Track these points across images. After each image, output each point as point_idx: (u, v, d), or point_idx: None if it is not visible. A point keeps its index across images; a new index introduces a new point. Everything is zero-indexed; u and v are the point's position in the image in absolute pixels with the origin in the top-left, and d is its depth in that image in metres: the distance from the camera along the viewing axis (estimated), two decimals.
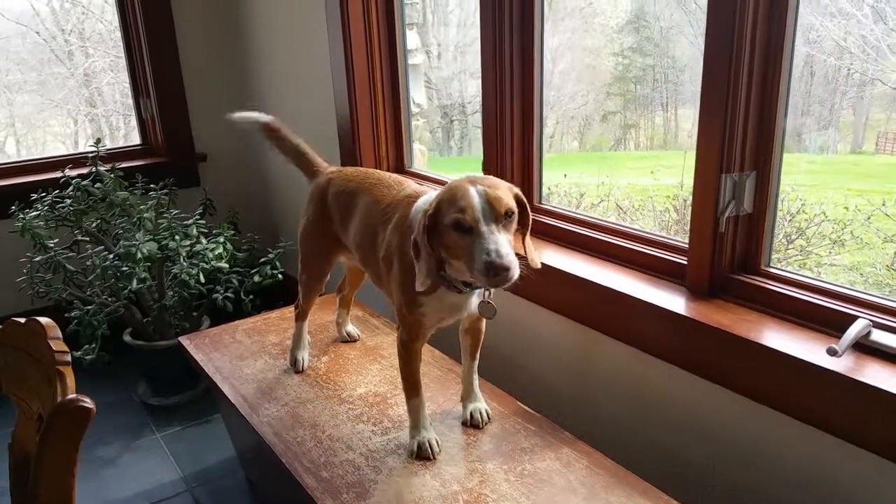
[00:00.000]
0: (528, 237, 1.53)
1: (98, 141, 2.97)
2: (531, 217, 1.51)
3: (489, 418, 1.77)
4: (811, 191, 3.03)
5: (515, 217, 1.43)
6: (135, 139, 3.78)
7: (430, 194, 1.63)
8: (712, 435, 1.68)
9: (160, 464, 2.61)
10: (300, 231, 2.03)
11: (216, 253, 2.78)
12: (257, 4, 3.30)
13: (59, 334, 1.16)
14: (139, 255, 2.65)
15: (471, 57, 4.39)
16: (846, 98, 3.00)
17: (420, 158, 3.02)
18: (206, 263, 2.75)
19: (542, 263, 1.97)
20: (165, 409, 2.96)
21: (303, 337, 2.13)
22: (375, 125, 2.79)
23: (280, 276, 2.93)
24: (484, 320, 1.73)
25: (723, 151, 1.57)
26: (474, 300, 1.59)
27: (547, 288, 1.99)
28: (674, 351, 1.68)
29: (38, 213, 2.84)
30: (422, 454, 1.64)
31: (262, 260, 2.92)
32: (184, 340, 2.32)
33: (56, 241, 2.88)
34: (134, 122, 3.77)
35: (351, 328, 2.25)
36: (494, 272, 1.33)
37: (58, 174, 3.03)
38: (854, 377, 1.33)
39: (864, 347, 1.40)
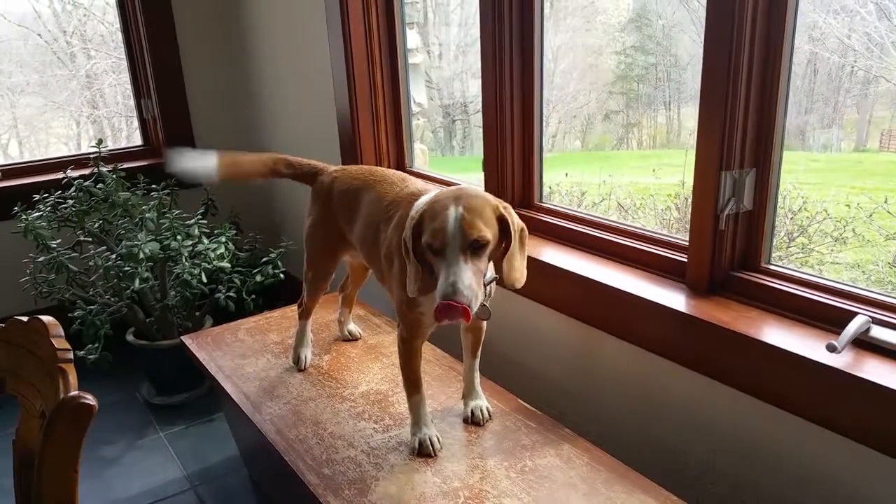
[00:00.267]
0: (511, 254, 1.46)
1: (100, 142, 2.98)
2: (517, 234, 1.47)
3: (490, 415, 1.77)
4: (814, 189, 3.03)
5: (490, 245, 1.40)
6: (137, 140, 3.79)
7: (431, 193, 1.63)
8: (712, 431, 1.68)
9: (164, 462, 2.62)
10: (305, 230, 2.03)
11: (218, 253, 2.79)
12: (257, 5, 3.30)
13: (62, 332, 1.17)
14: (141, 256, 2.66)
15: (472, 56, 4.39)
16: (850, 96, 3.00)
17: (421, 158, 3.02)
18: (208, 263, 2.76)
19: (543, 262, 1.99)
20: (168, 408, 2.97)
21: (306, 335, 2.13)
22: (376, 124, 2.79)
23: (282, 275, 2.94)
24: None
25: (723, 148, 1.57)
26: None
27: (548, 286, 1.99)
28: (674, 348, 1.69)
29: (40, 213, 2.85)
30: (423, 451, 1.65)
31: (264, 259, 2.93)
32: (186, 340, 2.33)
33: (59, 241, 2.89)
34: (135, 123, 3.78)
35: (353, 327, 2.26)
36: (444, 310, 1.34)
37: (60, 175, 3.04)
38: (854, 373, 1.34)
39: (864, 344, 1.40)
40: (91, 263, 2.87)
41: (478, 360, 1.78)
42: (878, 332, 1.39)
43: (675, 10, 3.73)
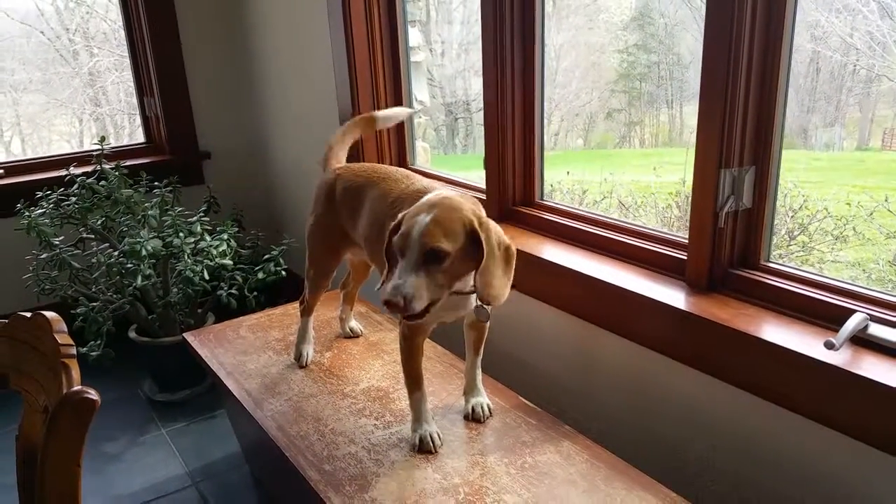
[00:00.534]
0: (485, 270, 1.44)
1: (103, 139, 2.99)
2: (492, 250, 1.44)
3: (490, 413, 1.78)
4: (815, 187, 3.03)
5: (449, 257, 1.40)
6: (139, 139, 3.81)
7: (436, 192, 1.64)
8: (712, 428, 1.69)
9: (166, 459, 2.63)
10: (308, 228, 2.04)
11: (220, 250, 2.80)
12: (260, 3, 3.31)
13: (65, 328, 1.17)
14: (144, 253, 2.67)
15: (475, 54, 4.39)
16: (852, 95, 3.00)
17: (423, 156, 3.03)
18: (211, 260, 2.77)
19: (543, 259, 2.00)
20: (170, 405, 2.98)
21: (308, 331, 2.14)
22: None
23: (283, 272, 2.95)
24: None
25: (722, 146, 1.58)
26: (473, 300, 1.60)
27: (548, 283, 2.00)
28: (674, 345, 1.69)
29: (43, 210, 2.86)
30: (423, 447, 1.65)
31: (266, 257, 2.94)
32: (188, 336, 2.34)
33: (61, 238, 2.90)
34: (138, 121, 3.79)
35: (354, 324, 2.26)
36: (385, 305, 1.40)
37: (63, 172, 3.05)
38: (852, 370, 1.34)
39: (862, 341, 1.41)
40: (94, 260, 2.88)
41: (480, 358, 1.79)
42: (876, 330, 1.39)
43: (677, 8, 3.73)
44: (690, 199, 1.70)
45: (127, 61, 3.69)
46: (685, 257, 1.76)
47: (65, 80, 5.55)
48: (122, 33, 3.61)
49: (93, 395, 1.01)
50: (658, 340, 1.73)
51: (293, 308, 2.46)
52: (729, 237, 1.65)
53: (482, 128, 2.27)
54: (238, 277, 2.89)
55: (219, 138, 3.68)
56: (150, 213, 2.89)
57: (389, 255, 1.50)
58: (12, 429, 1.24)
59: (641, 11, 4.13)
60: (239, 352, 2.21)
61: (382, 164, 2.80)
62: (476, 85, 4.73)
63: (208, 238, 2.83)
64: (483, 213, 1.53)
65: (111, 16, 4.62)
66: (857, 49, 2.67)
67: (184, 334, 2.37)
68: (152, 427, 2.84)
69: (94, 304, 2.79)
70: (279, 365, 2.12)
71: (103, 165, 2.97)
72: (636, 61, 4.12)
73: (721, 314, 1.59)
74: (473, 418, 1.77)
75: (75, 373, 1.11)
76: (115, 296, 2.88)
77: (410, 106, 2.82)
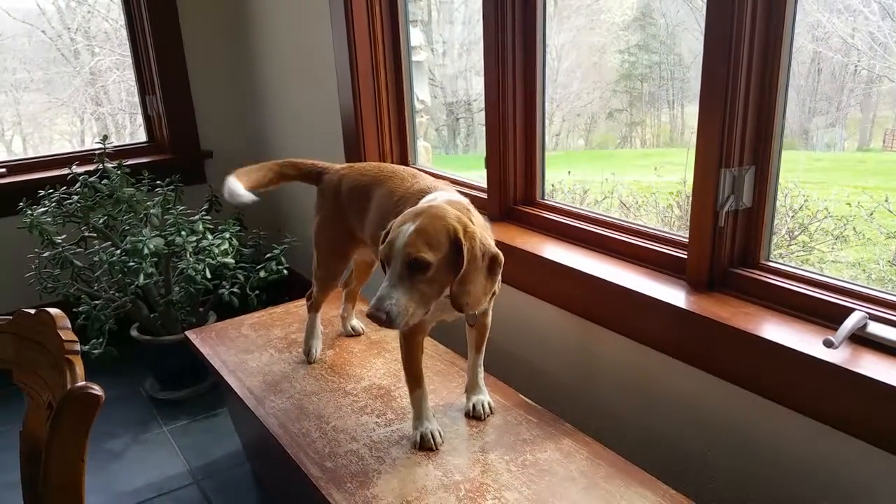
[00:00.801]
0: (463, 277, 1.43)
1: (105, 138, 3.00)
2: (473, 259, 1.44)
3: (491, 410, 1.79)
4: (816, 187, 3.04)
5: (432, 267, 1.41)
6: (139, 138, 3.82)
7: (440, 192, 1.65)
8: (712, 426, 1.69)
9: (167, 457, 2.64)
10: (315, 229, 2.05)
11: (222, 249, 2.81)
12: (262, 2, 3.32)
13: (69, 324, 1.18)
14: (146, 251, 2.68)
15: (476, 55, 4.40)
16: (853, 95, 3.00)
17: (424, 155, 3.03)
18: (213, 259, 2.78)
19: (544, 258, 2.00)
20: (172, 403, 2.99)
21: (315, 327, 2.15)
22: (379, 122, 2.81)
23: (285, 271, 2.95)
24: (489, 315, 1.76)
25: (722, 146, 1.59)
26: None
27: (549, 282, 2.01)
28: (674, 344, 1.70)
29: (45, 209, 2.87)
30: (424, 445, 1.66)
31: (268, 256, 2.95)
32: (190, 334, 2.34)
33: (64, 237, 2.91)
34: (139, 120, 3.80)
35: (356, 322, 2.27)
36: (368, 318, 1.41)
37: (65, 171, 3.05)
38: (850, 368, 1.35)
39: (861, 339, 1.42)
40: (96, 259, 2.89)
41: (481, 356, 1.80)
42: (875, 328, 1.40)
43: (678, 8, 3.73)
44: (691, 198, 1.70)
45: (128, 61, 3.70)
46: (685, 256, 1.76)
47: (66, 79, 5.55)
48: (123, 33, 3.62)
49: (97, 390, 1.02)
50: (658, 339, 1.74)
51: (295, 306, 2.47)
52: (729, 236, 1.66)
53: (483, 128, 2.28)
54: (240, 276, 2.90)
55: (221, 138, 3.69)
56: (152, 211, 2.90)
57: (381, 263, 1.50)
58: (15, 427, 1.25)
59: (643, 12, 4.13)
60: (241, 350, 2.22)
61: (385, 162, 2.81)
62: (477, 85, 4.73)
63: (210, 237, 2.84)
64: (475, 218, 1.54)
65: (112, 15, 4.63)
66: (858, 50, 2.67)
67: (186, 332, 2.37)
68: (154, 425, 2.85)
69: (97, 302, 2.80)
70: (281, 363, 2.12)
71: (106, 164, 2.97)
72: (637, 61, 4.12)
73: (721, 313, 1.59)
74: (474, 416, 1.77)
75: (79, 369, 1.11)
76: (117, 294, 2.89)
77: (412, 105, 2.83)
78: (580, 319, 1.96)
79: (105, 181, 2.93)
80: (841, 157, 3.11)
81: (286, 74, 3.31)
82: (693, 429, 1.74)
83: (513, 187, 2.28)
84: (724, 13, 1.51)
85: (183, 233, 2.78)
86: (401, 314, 1.39)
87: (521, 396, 1.86)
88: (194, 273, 2.74)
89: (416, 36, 2.88)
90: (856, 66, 2.84)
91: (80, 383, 1.04)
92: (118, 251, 2.81)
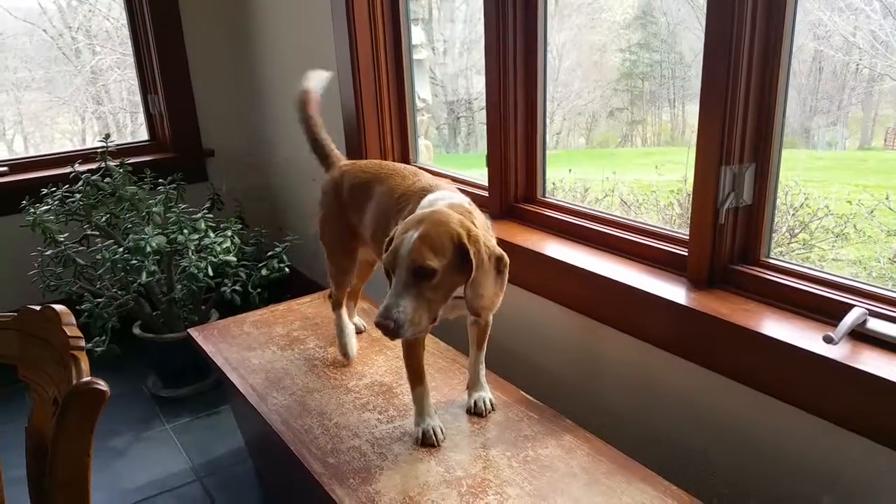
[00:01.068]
0: (474, 282, 1.43)
1: (107, 136, 3.01)
2: (482, 262, 1.44)
3: (493, 407, 1.79)
4: (816, 186, 3.04)
5: (437, 273, 1.40)
6: (140, 137, 3.83)
7: (441, 192, 1.65)
8: (712, 422, 1.70)
9: (170, 454, 2.65)
10: (319, 226, 2.05)
11: (224, 247, 2.82)
12: (264, 0, 3.32)
13: (74, 321, 1.18)
14: (148, 249, 2.68)
15: (477, 53, 4.40)
16: (855, 94, 3.00)
17: (426, 153, 3.04)
18: (215, 257, 2.79)
19: (545, 256, 2.01)
20: (175, 400, 3.00)
21: (344, 324, 2.11)
22: (380, 120, 2.81)
23: (287, 269, 2.96)
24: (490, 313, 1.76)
25: (722, 143, 1.59)
26: None
27: (550, 279, 2.01)
28: (674, 340, 1.71)
29: (48, 207, 2.88)
30: (426, 441, 1.67)
31: (270, 254, 2.95)
32: (193, 332, 2.35)
33: (66, 235, 2.92)
34: (140, 119, 3.81)
35: (357, 320, 2.28)
36: (378, 327, 1.41)
37: (67, 169, 3.06)
38: (850, 364, 1.36)
39: (860, 335, 1.42)
40: (98, 257, 2.89)
41: (483, 353, 1.80)
42: (875, 324, 1.41)
43: (679, 7, 3.73)
44: (691, 195, 1.71)
45: (129, 60, 3.71)
46: (686, 253, 1.77)
47: (67, 78, 5.56)
48: (125, 31, 3.63)
49: (102, 385, 1.02)
50: (659, 336, 1.75)
51: (297, 304, 2.48)
52: (729, 233, 1.67)
53: (484, 127, 2.28)
54: (242, 274, 2.91)
55: (222, 136, 3.70)
56: (154, 209, 2.90)
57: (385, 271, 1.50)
58: (20, 423, 1.26)
59: (643, 10, 4.13)
60: (243, 347, 2.23)
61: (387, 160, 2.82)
62: (478, 84, 4.73)
63: (212, 235, 2.84)
64: (477, 220, 1.54)
65: (114, 14, 4.63)
66: (859, 48, 2.67)
67: (188, 330, 2.38)
68: (157, 423, 2.85)
69: (99, 300, 2.81)
70: (283, 360, 2.13)
71: (108, 162, 2.98)
72: (638, 60, 4.12)
73: (721, 309, 1.60)
74: (476, 412, 1.78)
75: (84, 365, 1.12)
76: (119, 292, 2.90)
77: (413, 103, 2.83)
78: (581, 316, 1.97)
79: (107, 179, 2.94)
80: (842, 155, 3.12)
81: (288, 73, 3.32)
82: (694, 425, 1.75)
83: (514, 185, 2.29)
84: (724, 12, 1.52)
85: (185, 231, 2.79)
86: (408, 322, 1.39)
87: (523, 393, 1.87)
88: (196, 271, 2.74)
89: (417, 34, 2.88)
90: (857, 65, 2.85)
91: (86, 378, 1.05)
92: (121, 249, 2.81)
